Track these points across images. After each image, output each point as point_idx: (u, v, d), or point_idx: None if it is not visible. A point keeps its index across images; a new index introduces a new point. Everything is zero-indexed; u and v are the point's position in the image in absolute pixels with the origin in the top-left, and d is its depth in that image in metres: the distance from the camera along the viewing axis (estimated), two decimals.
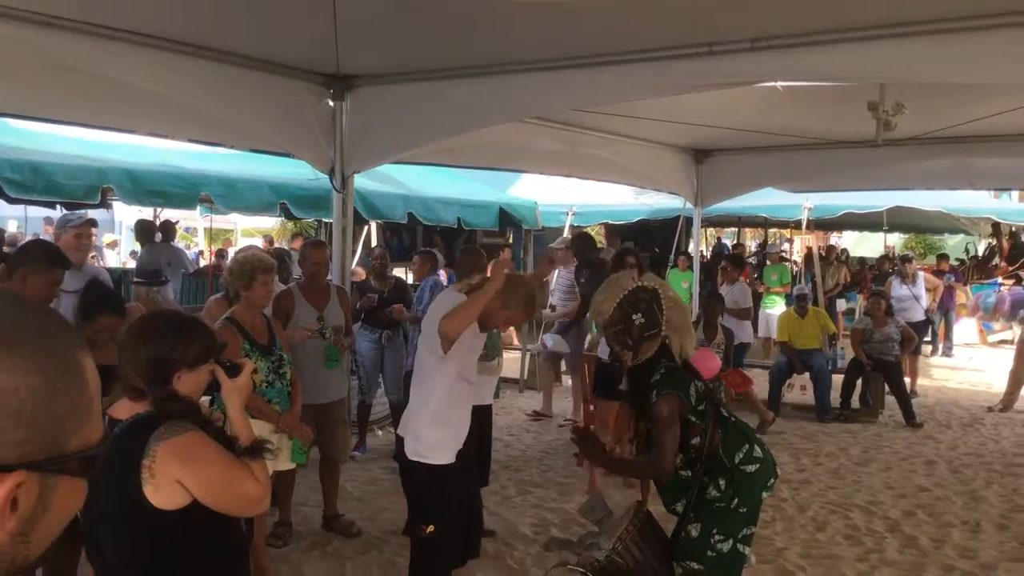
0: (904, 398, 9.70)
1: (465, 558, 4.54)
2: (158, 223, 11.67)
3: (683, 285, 12.13)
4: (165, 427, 2.27)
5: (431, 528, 4.11)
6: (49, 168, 6.92)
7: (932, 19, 4.43)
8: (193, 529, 2.31)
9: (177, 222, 13.87)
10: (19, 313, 0.92)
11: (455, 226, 10.79)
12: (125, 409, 2.43)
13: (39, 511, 0.88)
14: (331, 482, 5.79)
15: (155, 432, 2.26)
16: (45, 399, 0.87)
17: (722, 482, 3.58)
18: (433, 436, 4.12)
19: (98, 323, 4.36)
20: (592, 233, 21.05)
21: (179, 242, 15.67)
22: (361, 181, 7.86)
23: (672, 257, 13.17)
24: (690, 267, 12.07)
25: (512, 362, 10.46)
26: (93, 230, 7.65)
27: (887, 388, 9.91)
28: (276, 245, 14.68)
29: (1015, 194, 19.28)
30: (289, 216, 11.13)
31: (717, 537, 3.56)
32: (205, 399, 2.63)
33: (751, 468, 3.63)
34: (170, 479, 2.23)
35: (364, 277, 8.82)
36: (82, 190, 7.25)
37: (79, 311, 4.54)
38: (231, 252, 14.93)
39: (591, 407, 7.02)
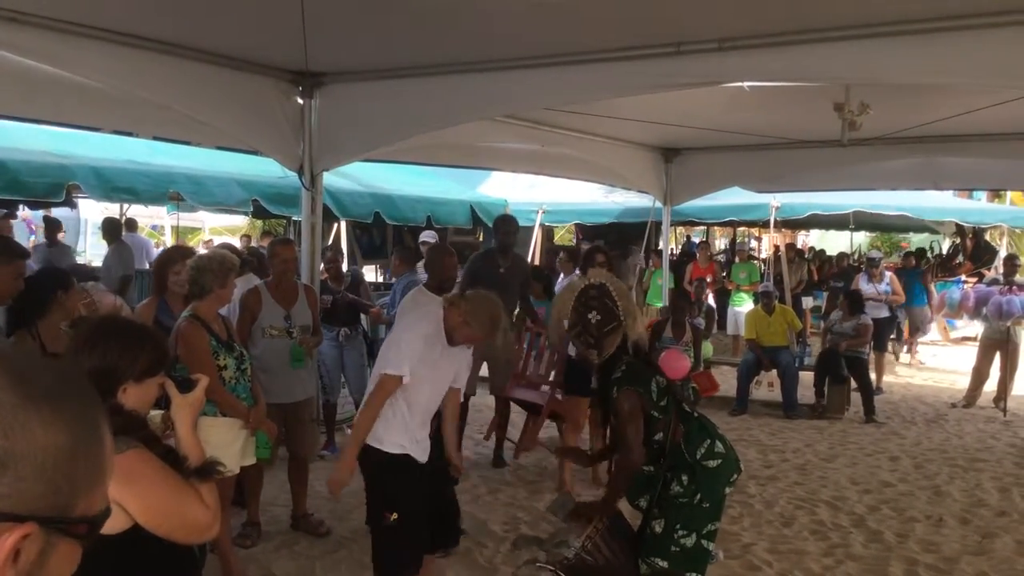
0: (868, 393, 9.83)
1: (435, 549, 4.52)
2: (123, 220, 11.57)
3: (658, 282, 12.19)
4: None
5: (395, 516, 4.09)
6: (13, 166, 6.83)
7: (897, 21, 4.50)
8: (136, 556, 2.12)
9: (132, 219, 13.73)
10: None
11: (423, 225, 10.77)
12: None
13: (36, 568, 0.89)
14: (300, 481, 5.77)
15: None
16: (68, 459, 0.89)
17: (684, 478, 3.61)
18: (386, 431, 4.12)
19: (72, 295, 4.32)
20: (564, 231, 21.15)
21: (147, 239, 15.55)
22: (331, 179, 7.83)
23: (642, 255, 13.25)
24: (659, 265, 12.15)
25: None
26: (12, 223, 7.60)
27: (853, 384, 10.04)
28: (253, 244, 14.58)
29: (983, 194, 19.59)
30: (258, 214, 11.07)
31: (680, 532, 3.59)
32: (156, 412, 2.46)
33: (713, 463, 3.66)
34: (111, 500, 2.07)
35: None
36: (46, 188, 7.18)
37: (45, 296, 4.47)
38: (199, 250, 14.81)
39: (557, 395, 7.04)
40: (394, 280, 7.95)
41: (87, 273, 6.62)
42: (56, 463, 0.88)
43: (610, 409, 3.70)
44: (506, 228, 7.56)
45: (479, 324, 4.01)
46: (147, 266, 12.27)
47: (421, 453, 4.22)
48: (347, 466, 4.13)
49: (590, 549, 3.52)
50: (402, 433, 4.14)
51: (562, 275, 9.67)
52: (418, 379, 4.05)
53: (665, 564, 3.59)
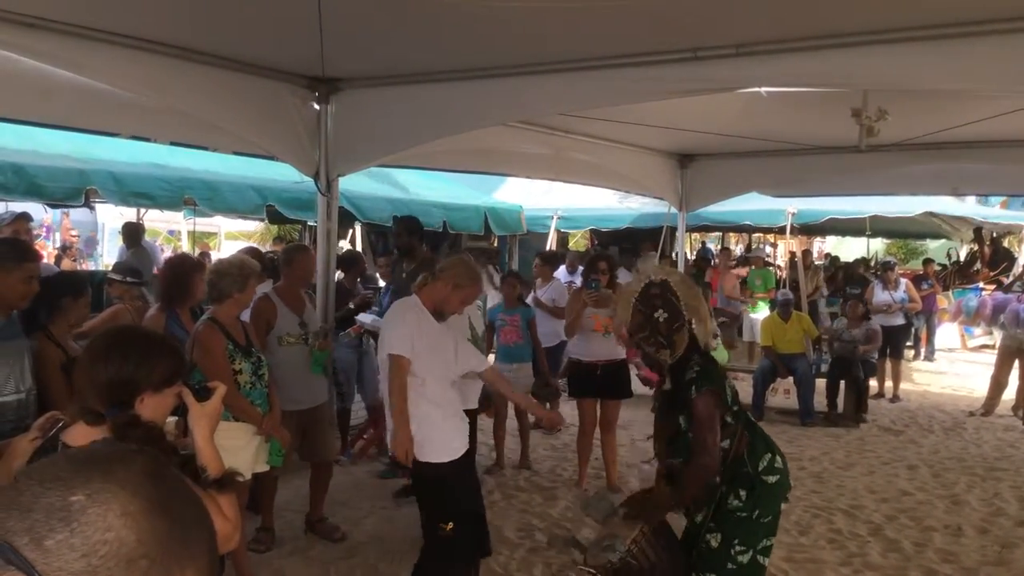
0: (861, 394, 9.88)
1: (478, 558, 4.54)
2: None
3: None
4: None
5: (450, 526, 4.09)
6: (32, 170, 6.88)
7: (916, 26, 4.46)
8: None
9: (142, 224, 13.78)
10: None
11: (440, 229, 10.78)
12: (81, 435, 2.17)
13: None
14: (320, 485, 5.72)
15: None
16: (122, 562, 0.82)
17: (743, 492, 3.48)
18: (424, 437, 4.15)
19: (81, 302, 4.35)
20: (579, 237, 21.14)
21: (163, 244, 15.61)
22: (348, 183, 7.83)
23: (657, 262, 13.21)
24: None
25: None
26: (29, 224, 7.63)
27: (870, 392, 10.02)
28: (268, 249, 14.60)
29: (996, 202, 19.46)
30: (274, 219, 11.08)
31: (738, 548, 3.46)
32: (170, 419, 2.42)
33: (773, 479, 3.53)
34: None
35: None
36: (64, 192, 7.23)
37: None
38: (213, 256, 14.90)
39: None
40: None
41: (133, 271, 6.56)
42: (108, 555, 0.81)
43: (683, 411, 3.51)
44: (398, 230, 7.19)
45: (465, 279, 4.22)
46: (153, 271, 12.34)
47: (460, 445, 4.24)
48: (405, 436, 4.14)
49: (636, 553, 3.39)
50: (439, 437, 4.16)
51: (539, 280, 9.61)
52: (423, 359, 4.16)
53: None
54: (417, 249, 7.20)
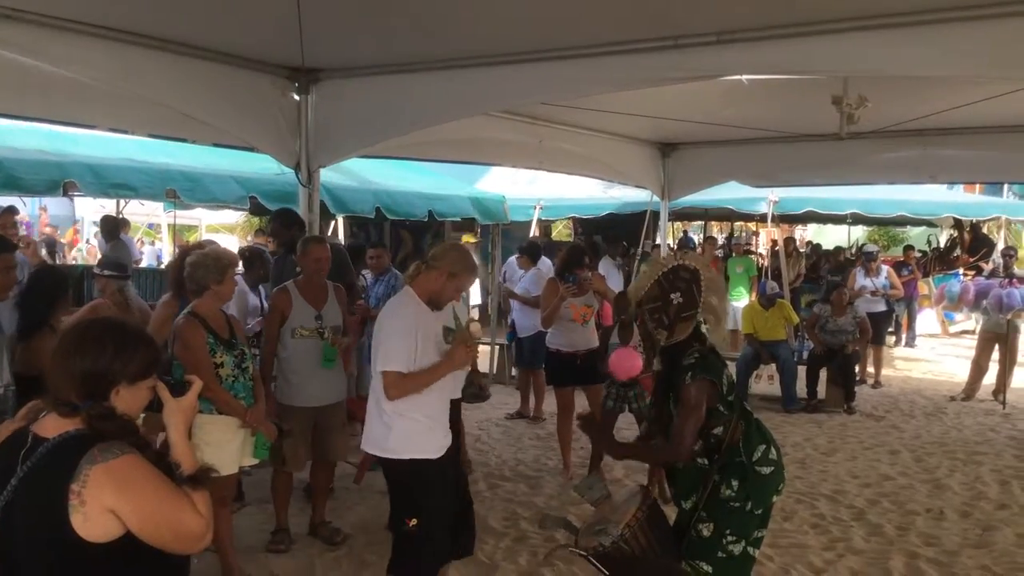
0: (849, 385, 9.90)
1: (450, 556, 4.49)
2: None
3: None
4: (98, 448, 2.04)
5: (414, 522, 4.06)
6: (8, 164, 6.82)
7: (895, 12, 4.48)
8: (128, 564, 2.10)
9: (123, 218, 13.65)
10: None
11: (425, 219, 10.73)
12: (52, 426, 2.13)
13: None
14: (322, 487, 5.61)
15: (87, 454, 2.03)
16: None
17: (735, 482, 3.47)
18: (394, 430, 4.08)
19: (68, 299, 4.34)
20: (562, 226, 21.17)
21: (143, 238, 15.51)
22: (328, 175, 7.78)
23: (639, 250, 13.23)
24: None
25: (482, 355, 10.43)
26: (16, 217, 7.59)
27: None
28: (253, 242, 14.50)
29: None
30: (256, 211, 11.02)
31: (730, 538, 3.46)
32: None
33: (766, 470, 3.52)
34: (103, 508, 2.03)
35: None
36: (43, 184, 7.18)
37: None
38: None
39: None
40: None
41: (120, 267, 6.47)
42: None
43: (674, 394, 3.53)
44: (275, 228, 6.84)
45: (460, 267, 4.13)
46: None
47: (440, 447, 4.19)
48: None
49: (628, 538, 3.38)
50: (418, 435, 4.10)
51: (521, 271, 9.57)
52: (422, 353, 4.04)
53: (710, 569, 3.47)
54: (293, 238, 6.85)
